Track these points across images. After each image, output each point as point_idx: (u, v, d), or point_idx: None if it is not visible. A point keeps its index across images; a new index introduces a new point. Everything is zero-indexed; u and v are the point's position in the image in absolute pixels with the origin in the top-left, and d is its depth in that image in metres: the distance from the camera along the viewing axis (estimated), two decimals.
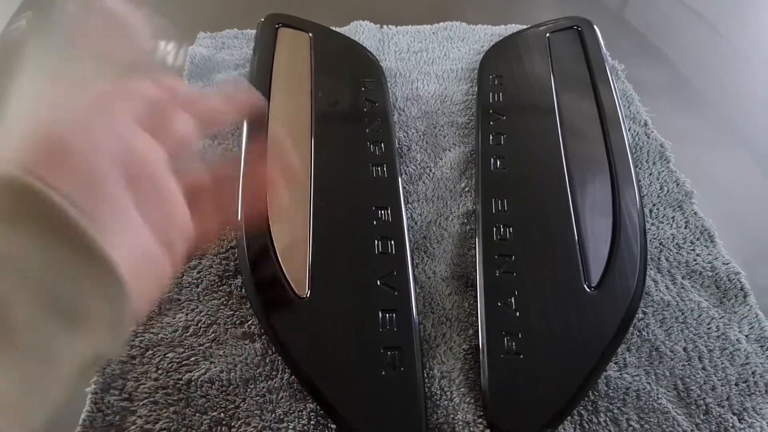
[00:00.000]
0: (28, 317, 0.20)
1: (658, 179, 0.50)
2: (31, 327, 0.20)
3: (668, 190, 0.49)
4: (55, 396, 0.21)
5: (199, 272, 0.42)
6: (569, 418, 0.35)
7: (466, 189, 0.48)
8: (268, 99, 0.53)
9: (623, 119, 0.53)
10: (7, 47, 0.67)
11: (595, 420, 0.35)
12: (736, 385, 0.37)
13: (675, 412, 0.36)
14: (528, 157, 0.49)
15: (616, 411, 0.35)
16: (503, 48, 0.61)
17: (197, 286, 0.41)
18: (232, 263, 0.43)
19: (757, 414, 0.36)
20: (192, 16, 0.73)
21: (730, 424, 0.35)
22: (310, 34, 0.61)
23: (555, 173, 0.47)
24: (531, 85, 0.56)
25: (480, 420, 0.34)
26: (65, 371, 0.21)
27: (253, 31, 0.65)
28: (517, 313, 0.38)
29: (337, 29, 0.65)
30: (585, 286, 0.40)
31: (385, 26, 0.67)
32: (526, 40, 0.62)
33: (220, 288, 0.41)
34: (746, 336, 0.40)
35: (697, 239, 0.45)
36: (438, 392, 0.36)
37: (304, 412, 0.35)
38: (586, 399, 0.36)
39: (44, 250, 0.20)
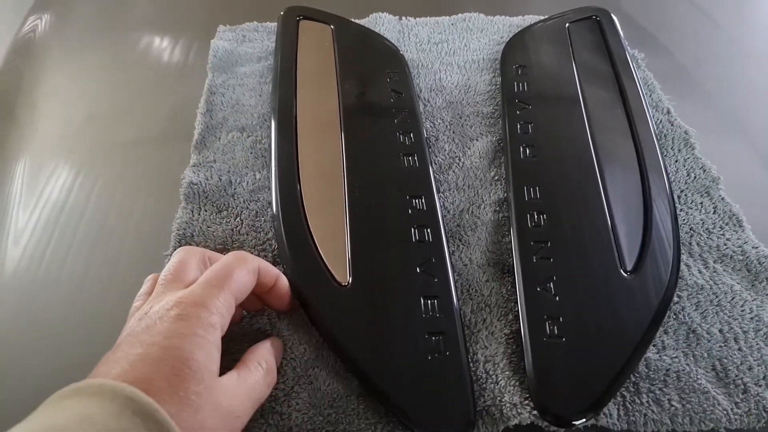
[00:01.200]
0: None
1: (684, 166, 0.51)
2: None
3: (695, 176, 0.49)
4: None
5: None
6: (613, 399, 0.36)
7: (496, 177, 0.49)
8: (294, 91, 0.54)
9: (647, 107, 0.53)
10: (27, 48, 0.67)
11: (637, 401, 0.36)
12: None
13: (714, 392, 0.36)
14: (556, 145, 0.50)
15: (657, 392, 0.36)
16: (524, 38, 0.62)
17: None
18: (270, 254, 0.43)
19: None
20: (211, 9, 0.73)
21: None
22: (332, 26, 0.61)
23: (584, 160, 0.48)
24: (554, 75, 0.57)
25: (527, 402, 0.35)
26: None
27: (273, 24, 0.66)
28: (557, 298, 0.39)
29: (357, 21, 0.66)
30: (621, 271, 0.40)
31: (404, 18, 0.67)
32: (546, 31, 0.63)
33: None
34: None
35: (726, 224, 0.46)
36: (483, 376, 0.37)
37: (352, 396, 0.35)
38: (628, 381, 0.37)
39: None
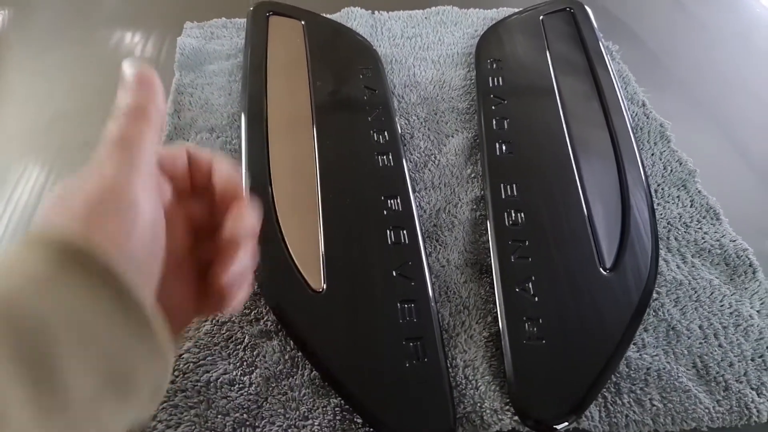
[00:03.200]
0: (90, 392, 0.19)
1: (660, 159, 0.50)
2: (91, 401, 0.19)
3: (672, 170, 0.49)
4: None
5: None
6: (594, 401, 0.35)
7: (473, 175, 0.48)
8: (265, 90, 0.52)
9: (623, 100, 0.53)
10: None
11: (619, 401, 0.35)
12: (752, 360, 0.38)
13: (696, 390, 0.36)
14: (533, 141, 0.49)
15: (639, 392, 0.36)
16: (498, 32, 0.61)
17: None
18: None
19: None
20: (177, 5, 0.70)
21: (750, 399, 0.36)
22: (303, 22, 0.60)
23: (561, 156, 0.47)
24: (529, 69, 0.56)
25: (507, 408, 0.34)
26: None
27: (242, 20, 0.64)
28: (536, 299, 0.38)
29: (329, 16, 0.64)
30: (600, 268, 0.40)
31: (376, 12, 0.66)
32: (520, 23, 0.62)
33: None
34: (758, 311, 0.40)
35: (704, 217, 0.46)
36: (463, 381, 0.36)
37: (328, 408, 0.34)
38: (609, 381, 0.36)
39: (107, 319, 0.20)
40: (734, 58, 0.65)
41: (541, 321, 0.37)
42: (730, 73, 0.63)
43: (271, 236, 0.41)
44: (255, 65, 0.54)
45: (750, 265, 0.42)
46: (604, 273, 0.40)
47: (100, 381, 0.19)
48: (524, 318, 0.37)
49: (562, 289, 0.39)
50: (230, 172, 0.28)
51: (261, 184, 0.44)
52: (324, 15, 0.63)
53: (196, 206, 0.28)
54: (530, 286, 0.39)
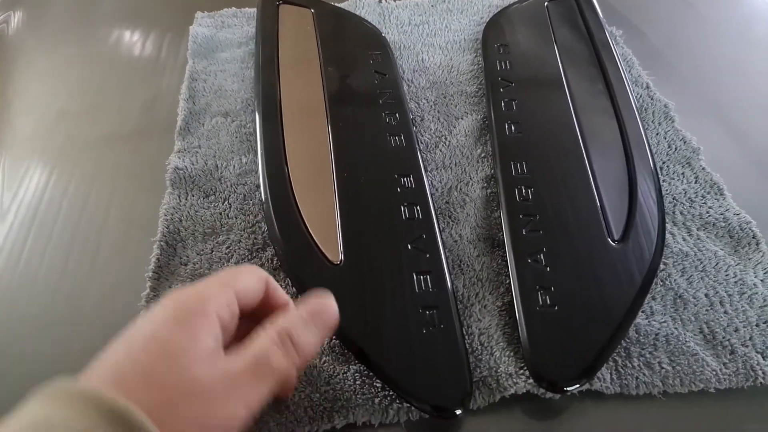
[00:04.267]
0: None
1: (665, 138, 0.51)
2: None
3: (676, 148, 0.50)
4: None
5: (228, 247, 0.42)
6: (606, 364, 0.36)
7: (483, 155, 0.49)
8: (278, 76, 0.53)
9: (628, 82, 0.54)
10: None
11: (629, 365, 0.36)
12: (757, 326, 0.39)
13: (703, 353, 0.37)
14: (541, 121, 0.50)
15: (648, 355, 0.37)
16: (504, 18, 0.62)
17: (228, 260, 0.42)
18: (260, 236, 0.43)
19: None
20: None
21: (755, 362, 0.37)
22: (312, 10, 0.61)
23: (569, 135, 0.48)
24: (536, 53, 0.57)
25: (522, 371, 0.35)
26: None
27: (252, 10, 0.65)
28: (548, 269, 0.39)
29: (338, 4, 0.65)
30: (609, 240, 0.41)
31: (384, 1, 0.67)
32: (525, 10, 0.63)
33: (251, 261, 0.42)
34: (762, 280, 0.41)
35: (708, 193, 0.47)
36: (479, 348, 0.37)
37: (348, 373, 0.36)
38: (620, 346, 0.37)
39: None
40: (733, 42, 0.67)
41: (553, 289, 0.38)
42: (730, 55, 0.64)
43: (289, 213, 0.42)
44: (267, 53, 0.56)
45: (753, 237, 0.44)
46: (613, 244, 0.41)
47: None
48: (537, 287, 0.38)
49: (572, 260, 0.40)
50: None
51: (277, 164, 0.45)
52: (332, 4, 0.65)
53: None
54: (542, 257, 0.40)
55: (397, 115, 0.50)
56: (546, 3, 0.63)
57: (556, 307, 0.37)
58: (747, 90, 0.60)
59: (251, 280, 0.30)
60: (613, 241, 0.41)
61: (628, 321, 0.38)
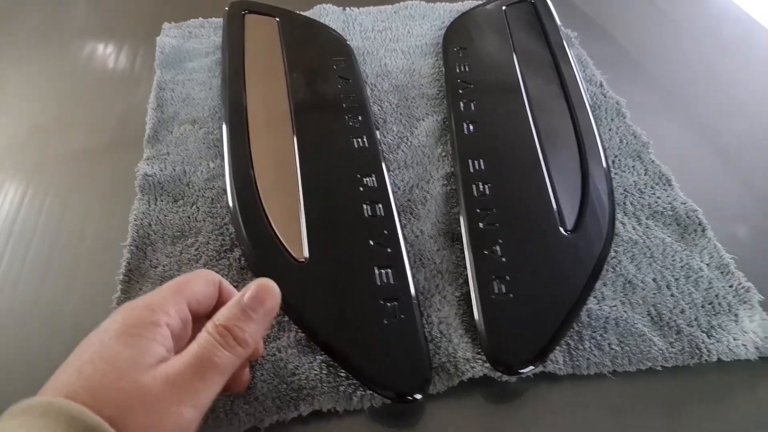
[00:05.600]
0: None
1: (617, 133, 0.54)
2: None
3: (627, 143, 0.53)
4: None
5: (196, 249, 0.44)
6: (559, 347, 0.38)
7: (443, 154, 0.51)
8: (244, 83, 0.55)
9: (581, 81, 0.56)
10: None
11: (581, 347, 0.38)
12: (702, 307, 0.41)
13: (651, 334, 0.39)
14: (498, 120, 0.52)
15: (599, 338, 0.39)
16: (463, 22, 0.64)
17: (197, 262, 0.43)
18: (228, 238, 0.44)
19: (724, 330, 0.40)
20: (154, 13, 0.73)
21: (701, 341, 0.39)
22: (277, 19, 0.63)
23: (524, 132, 0.50)
24: (494, 54, 0.59)
25: (479, 356, 0.37)
26: None
27: (218, 20, 0.67)
28: (504, 259, 0.41)
29: (303, 13, 0.67)
30: (562, 230, 0.43)
31: (347, 8, 0.69)
32: (484, 14, 0.66)
33: (219, 261, 0.43)
34: (707, 264, 0.44)
35: (657, 184, 0.49)
36: (438, 336, 0.39)
37: (314, 363, 0.37)
38: (572, 330, 0.39)
39: None
40: (685, 40, 0.70)
41: (508, 278, 0.40)
42: (681, 53, 0.67)
43: (255, 215, 0.43)
44: (233, 61, 0.57)
45: (699, 224, 0.46)
46: (566, 234, 0.43)
47: None
48: (493, 277, 0.40)
49: (527, 250, 0.42)
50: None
51: (243, 168, 0.47)
52: (297, 12, 0.66)
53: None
54: (498, 248, 0.42)
55: (360, 118, 0.52)
56: (504, 7, 0.65)
57: (511, 295, 0.39)
58: (696, 85, 0.62)
59: (202, 285, 0.31)
60: (566, 231, 0.43)
61: (579, 306, 0.40)
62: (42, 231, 0.47)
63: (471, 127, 0.51)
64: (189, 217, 0.46)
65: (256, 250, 0.42)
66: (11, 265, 0.45)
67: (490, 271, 0.41)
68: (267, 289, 0.30)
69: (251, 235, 0.42)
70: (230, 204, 0.45)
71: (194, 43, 0.64)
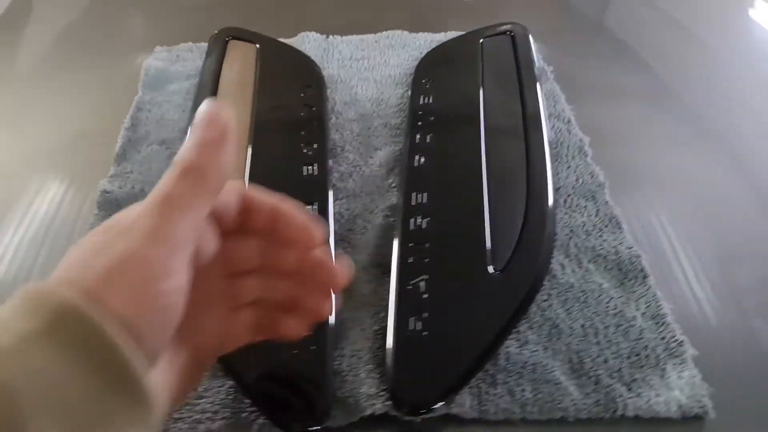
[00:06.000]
0: None
1: (575, 171, 0.53)
2: None
3: (583, 182, 0.52)
4: None
5: None
6: (469, 389, 0.38)
7: (393, 185, 0.52)
8: None
9: (545, 117, 0.56)
10: None
11: (492, 391, 0.38)
12: (628, 358, 0.40)
13: (567, 383, 0.38)
14: (450, 153, 0.52)
15: (512, 383, 0.38)
16: (437, 54, 0.65)
17: None
18: None
19: (647, 385, 0.38)
20: (152, 31, 0.76)
21: (618, 393, 0.38)
22: (258, 46, 0.65)
23: (473, 168, 0.50)
24: (460, 87, 0.60)
25: (382, 393, 0.37)
26: None
27: (206, 45, 0.69)
28: (425, 295, 0.41)
29: (286, 40, 0.69)
30: (491, 269, 0.43)
31: (331, 36, 0.71)
32: (460, 45, 0.66)
33: None
34: (642, 314, 0.42)
35: (606, 226, 0.48)
36: (346, 369, 0.39)
37: (222, 389, 0.38)
38: (487, 373, 0.39)
39: (85, 383, 0.19)
40: (664, 77, 0.68)
41: (426, 315, 0.40)
42: (657, 89, 0.66)
43: None
44: (206, 83, 0.59)
45: (641, 271, 0.45)
46: (494, 273, 0.43)
47: None
48: (412, 312, 0.40)
49: (451, 287, 0.42)
50: (305, 220, 0.28)
51: None
52: (281, 39, 0.68)
53: (239, 245, 0.28)
54: (422, 284, 0.42)
55: (315, 145, 0.53)
56: (481, 39, 0.66)
57: (426, 333, 0.39)
58: (669, 125, 0.61)
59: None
60: (495, 270, 0.43)
61: (495, 348, 0.39)
62: (79, 233, 0.49)
63: (422, 160, 0.51)
64: None
65: None
66: (46, 265, 0.46)
67: (410, 306, 0.41)
68: (207, 113, 0.25)
69: None
70: None
71: (179, 66, 0.67)
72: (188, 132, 0.54)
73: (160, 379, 0.24)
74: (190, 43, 0.70)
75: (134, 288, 0.21)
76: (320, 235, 0.29)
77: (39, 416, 0.18)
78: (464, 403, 0.38)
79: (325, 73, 0.65)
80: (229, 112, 0.25)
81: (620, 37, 0.75)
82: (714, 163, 0.57)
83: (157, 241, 0.21)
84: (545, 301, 0.43)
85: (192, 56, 0.68)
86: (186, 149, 0.23)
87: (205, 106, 0.25)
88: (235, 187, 0.27)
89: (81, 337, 0.19)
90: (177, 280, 0.22)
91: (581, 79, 0.66)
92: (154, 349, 0.22)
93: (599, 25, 0.80)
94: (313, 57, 0.67)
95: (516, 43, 0.65)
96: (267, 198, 0.29)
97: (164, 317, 0.22)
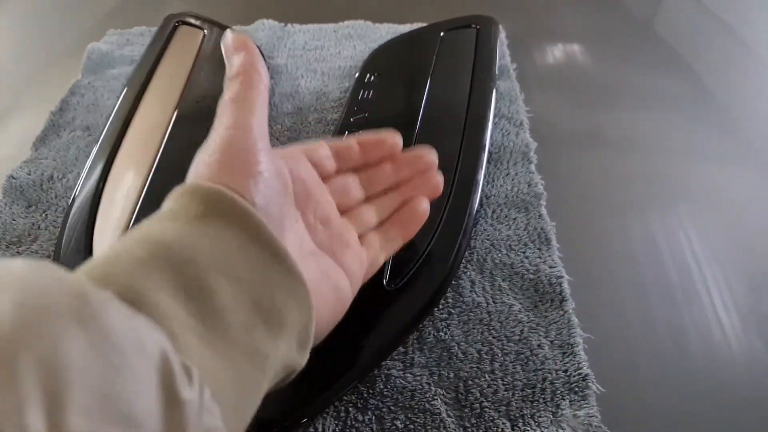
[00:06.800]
0: (243, 318, 0.21)
1: (513, 180, 0.49)
2: (245, 328, 0.21)
3: (518, 191, 0.48)
4: (259, 398, 0.23)
5: (23, 257, 0.43)
6: (335, 414, 0.35)
7: None
8: (141, 94, 0.54)
9: (490, 119, 0.52)
10: None
11: (360, 418, 0.35)
12: (522, 390, 0.36)
13: (446, 413, 0.35)
14: None
15: (384, 410, 0.35)
16: (390, 47, 0.61)
17: None
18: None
19: (534, 422, 0.34)
20: (118, 13, 0.75)
21: (500, 429, 0.34)
22: (205, 32, 0.62)
23: None
24: (404, 83, 0.56)
25: None
26: (269, 376, 0.23)
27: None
28: None
29: (242, 27, 0.66)
30: (385, 284, 0.39)
31: (289, 25, 0.68)
32: (417, 38, 0.62)
33: None
34: (551, 342, 0.38)
35: (533, 241, 0.44)
36: None
37: None
38: (357, 396, 0.35)
39: (246, 252, 0.23)
40: (632, 85, 0.63)
41: None
42: (624, 96, 0.61)
43: (78, 231, 0.43)
44: (141, 70, 0.57)
45: (560, 293, 0.40)
46: (387, 289, 0.39)
47: (249, 307, 0.22)
48: None
49: None
50: (381, 136, 0.37)
51: (93, 180, 0.46)
52: (236, 27, 0.66)
53: (343, 181, 0.35)
54: None
55: None
56: (442, 32, 0.61)
57: None
58: (630, 133, 0.56)
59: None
60: (389, 286, 0.39)
61: (364, 371, 0.36)
62: None
63: None
64: (33, 225, 0.46)
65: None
66: None
67: None
68: (232, 39, 0.32)
69: (66, 253, 0.42)
70: (64, 215, 0.44)
71: (126, 50, 0.65)
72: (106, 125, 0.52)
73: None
74: (144, 27, 0.68)
75: (243, 168, 0.25)
76: (399, 140, 0.37)
77: (220, 280, 0.21)
78: (326, 428, 0.34)
79: (272, 62, 0.62)
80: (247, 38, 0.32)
81: (658, 37, 0.69)
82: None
83: (243, 124, 0.27)
84: (443, 320, 0.39)
85: (143, 40, 0.66)
86: (229, 64, 0.31)
87: (229, 37, 0.32)
88: (324, 142, 0.34)
89: (236, 218, 0.23)
90: (269, 158, 0.27)
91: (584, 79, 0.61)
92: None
93: (640, 23, 0.75)
94: (264, 45, 0.64)
95: (480, 38, 0.60)
96: (350, 139, 0.36)
97: (268, 189, 0.26)
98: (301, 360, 0.26)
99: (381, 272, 0.39)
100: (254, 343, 0.21)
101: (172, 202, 0.25)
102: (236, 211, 0.23)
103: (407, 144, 0.47)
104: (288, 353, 0.24)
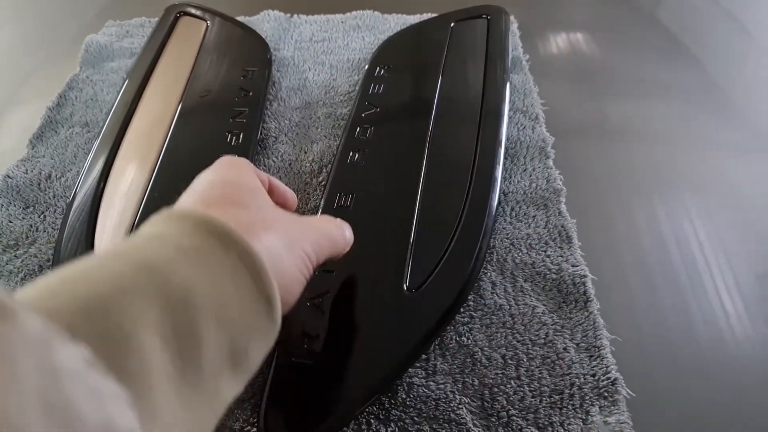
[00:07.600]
0: (218, 364, 0.20)
1: (531, 175, 0.47)
2: (216, 374, 0.20)
3: (537, 187, 0.46)
4: None
5: (22, 261, 0.42)
6: (355, 427, 0.33)
7: (323, 182, 0.47)
8: (143, 87, 0.52)
9: (506, 113, 0.50)
10: None
11: (382, 430, 0.33)
12: (549, 396, 0.34)
13: (472, 423, 0.33)
14: (389, 150, 0.47)
15: (408, 421, 0.33)
16: (400, 39, 0.59)
17: (17, 275, 0.41)
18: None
19: (564, 429, 0.33)
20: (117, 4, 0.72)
21: None
22: (207, 23, 0.60)
23: (410, 169, 0.45)
24: (415, 77, 0.54)
25: (252, 427, 0.33)
26: (220, 416, 0.22)
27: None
28: (324, 314, 0.36)
29: (246, 18, 0.64)
30: (405, 288, 0.37)
31: (295, 15, 0.65)
32: (427, 30, 0.60)
33: (39, 277, 0.41)
34: (577, 344, 0.37)
35: (553, 239, 0.42)
36: None
37: None
38: (379, 407, 0.34)
39: (241, 296, 0.22)
40: (642, 76, 0.61)
41: (318, 337, 0.35)
42: (639, 92, 0.59)
43: (79, 233, 0.41)
44: (143, 63, 0.55)
45: (584, 294, 0.39)
46: (407, 293, 0.37)
47: (226, 351, 0.21)
48: (302, 333, 0.35)
49: (354, 307, 0.37)
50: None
51: (93, 180, 0.44)
52: (239, 18, 0.63)
53: None
54: (322, 300, 0.37)
55: (242, 135, 0.48)
56: (452, 23, 0.59)
57: (312, 359, 0.34)
58: (643, 128, 0.54)
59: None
60: (409, 289, 0.37)
61: (390, 381, 0.34)
62: None
63: (356, 156, 0.46)
64: (31, 226, 0.44)
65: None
66: None
67: (303, 326, 0.36)
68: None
69: (65, 253, 0.40)
70: (63, 217, 0.42)
71: (126, 42, 0.62)
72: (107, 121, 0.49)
73: None
74: (144, 18, 0.66)
75: (244, 212, 0.26)
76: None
77: (210, 326, 0.20)
78: None
79: (278, 55, 0.60)
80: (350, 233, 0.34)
81: (665, 28, 0.68)
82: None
83: (245, 174, 0.29)
84: (466, 324, 0.38)
85: (143, 32, 0.64)
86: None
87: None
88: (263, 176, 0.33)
89: (235, 257, 0.22)
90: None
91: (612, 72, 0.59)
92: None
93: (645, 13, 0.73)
94: (270, 37, 0.62)
95: (491, 29, 0.58)
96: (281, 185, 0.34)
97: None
98: (242, 387, 0.24)
99: (401, 276, 0.38)
100: (219, 390, 0.21)
101: (168, 224, 0.23)
102: (237, 247, 0.22)
103: (421, 140, 0.45)
104: (240, 389, 0.23)
